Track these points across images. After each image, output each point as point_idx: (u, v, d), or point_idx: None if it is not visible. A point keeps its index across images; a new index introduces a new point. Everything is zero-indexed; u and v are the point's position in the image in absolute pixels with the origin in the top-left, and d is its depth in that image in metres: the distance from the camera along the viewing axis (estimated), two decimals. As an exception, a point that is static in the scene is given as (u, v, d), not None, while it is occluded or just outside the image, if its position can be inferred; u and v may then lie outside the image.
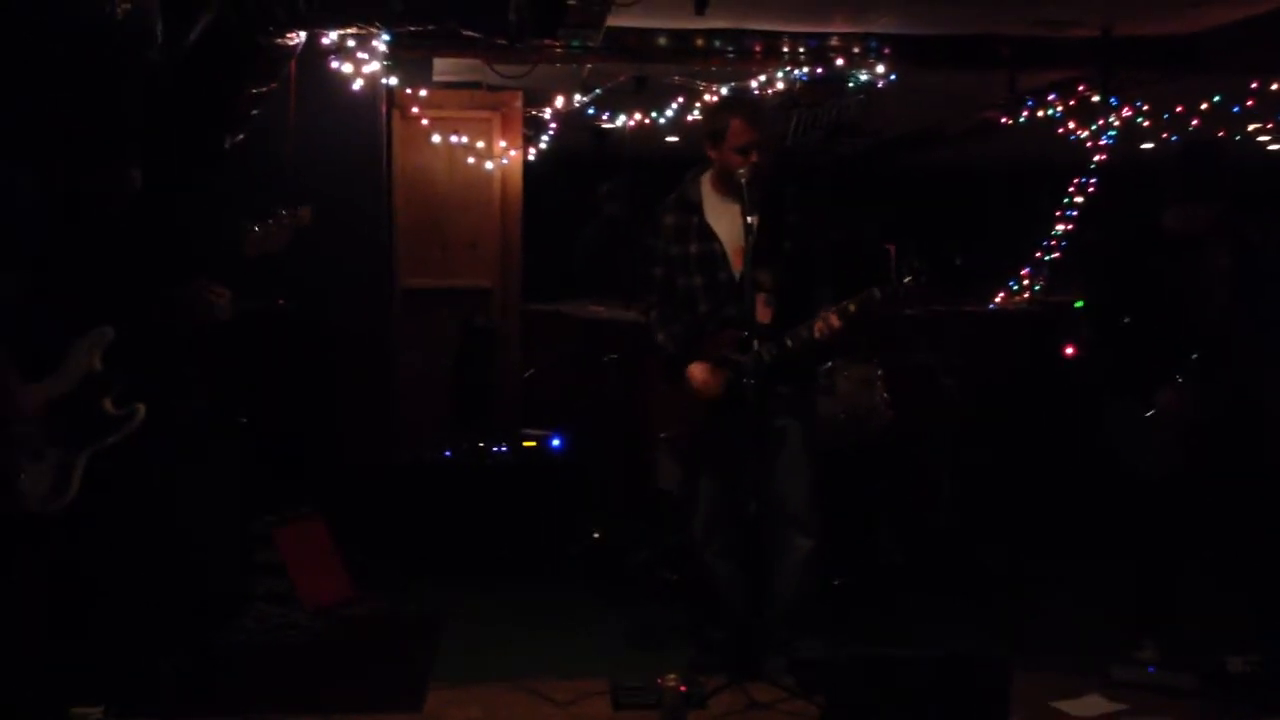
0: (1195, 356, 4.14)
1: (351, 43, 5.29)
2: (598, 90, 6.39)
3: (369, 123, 5.61)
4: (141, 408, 3.72)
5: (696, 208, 4.23)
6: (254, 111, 4.76)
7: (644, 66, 6.02)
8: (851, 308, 3.97)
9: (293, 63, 5.08)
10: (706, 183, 4.25)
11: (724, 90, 6.14)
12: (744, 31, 5.72)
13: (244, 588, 4.72)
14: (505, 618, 4.90)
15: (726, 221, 4.15)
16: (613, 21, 5.17)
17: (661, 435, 4.48)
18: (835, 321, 3.96)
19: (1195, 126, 6.48)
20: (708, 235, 4.20)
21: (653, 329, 4.35)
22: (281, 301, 5.05)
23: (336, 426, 5.43)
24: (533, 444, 5.66)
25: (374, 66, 5.42)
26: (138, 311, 3.72)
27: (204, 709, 3.79)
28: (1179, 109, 6.46)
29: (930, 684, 3.31)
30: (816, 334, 3.99)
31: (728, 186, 4.15)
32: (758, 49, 5.81)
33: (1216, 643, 4.20)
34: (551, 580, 5.32)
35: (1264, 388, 4.25)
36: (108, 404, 3.69)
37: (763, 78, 6.03)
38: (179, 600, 3.96)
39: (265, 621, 4.61)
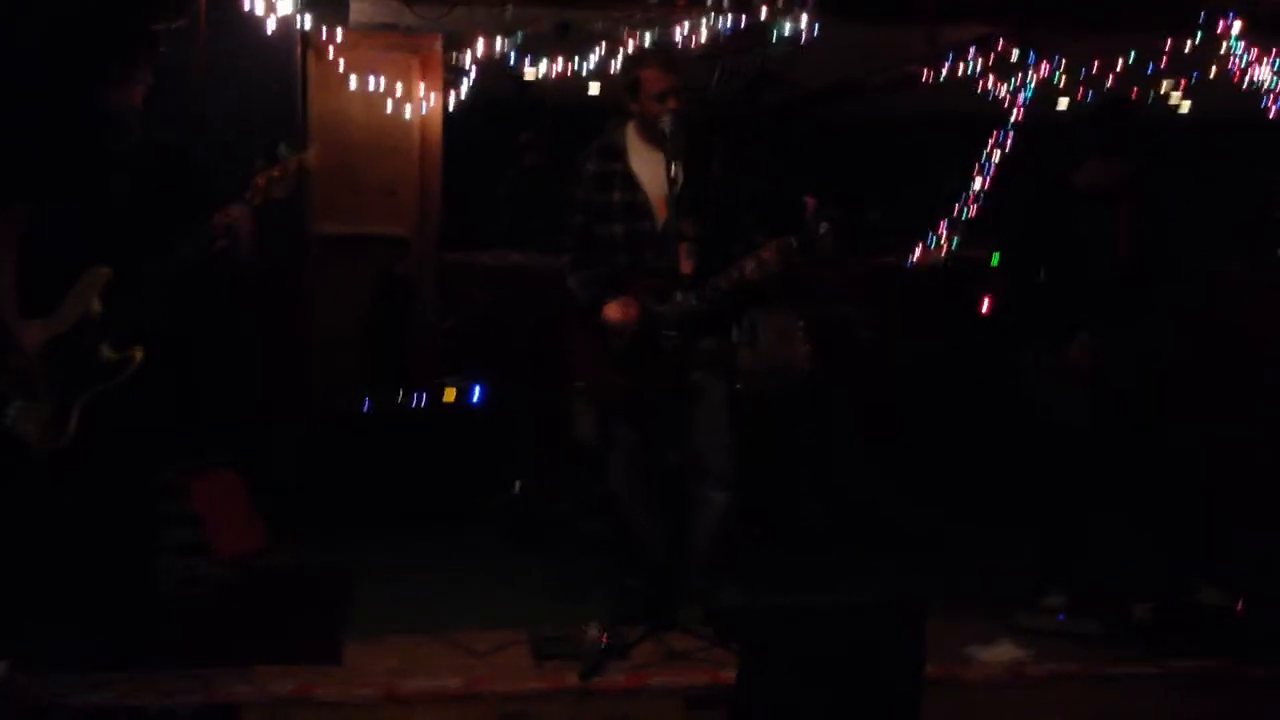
0: (1104, 310, 4.22)
1: (265, -20, 5.14)
2: (519, 35, 6.28)
3: (283, 64, 5.46)
4: (139, 352, 3.60)
5: (621, 155, 4.19)
6: (161, 49, 4.59)
7: (567, 12, 5.93)
8: (766, 254, 3.97)
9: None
10: (631, 131, 4.21)
11: (647, 37, 6.08)
12: (669, -21, 5.66)
13: (154, 540, 4.62)
14: (424, 569, 4.87)
15: (650, 171, 4.12)
16: (536, -35, 5.09)
17: (577, 384, 4.46)
18: (767, 255, 3.95)
19: (1110, 85, 6.57)
20: (632, 184, 4.16)
21: (568, 278, 4.30)
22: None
23: (248, 376, 5.32)
24: (451, 394, 5.61)
25: (288, 6, 5.27)
26: (154, 251, 3.58)
27: (112, 662, 3.71)
28: (1095, 67, 6.55)
29: (846, 632, 3.35)
30: (749, 271, 3.98)
31: (651, 136, 4.12)
32: (682, -3, 5.76)
33: (1122, 590, 4.33)
34: (471, 531, 5.29)
35: (1168, 340, 4.37)
36: (105, 348, 3.56)
37: (686, 26, 5.98)
38: (86, 552, 3.86)
39: (176, 574, 4.53)
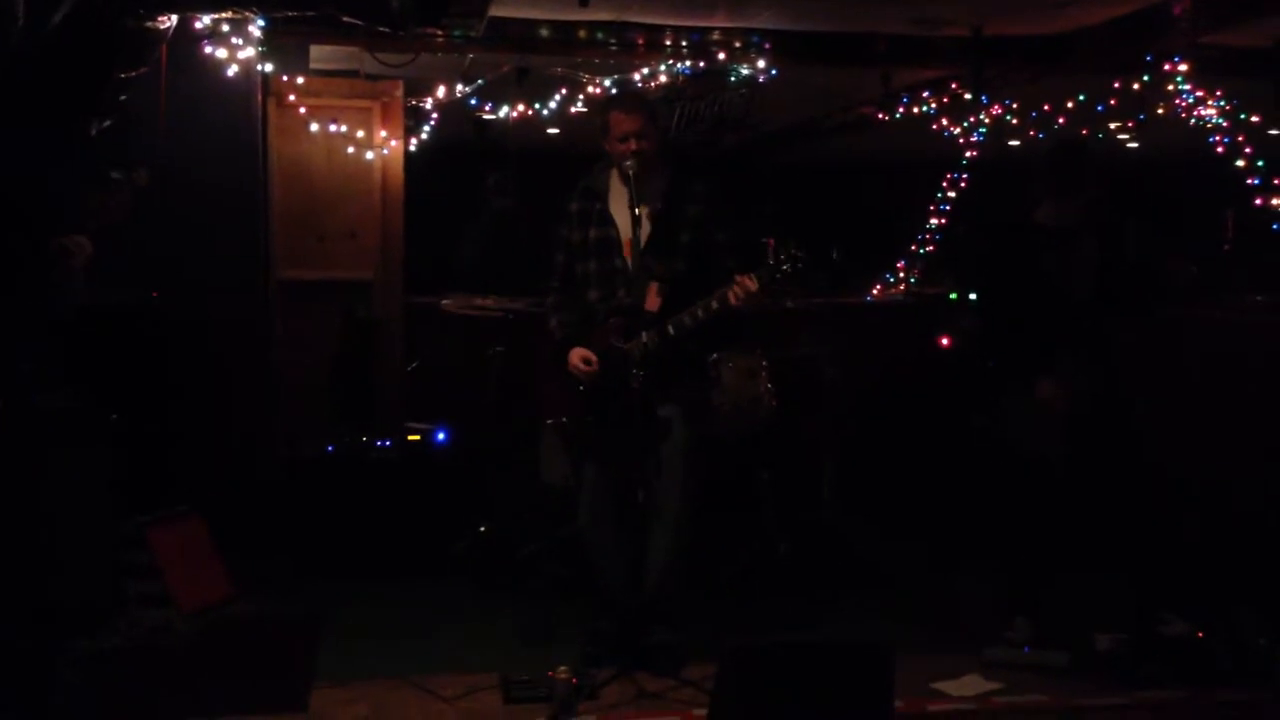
0: (1069, 344, 4.29)
1: (226, 27, 5.14)
2: (480, 81, 6.32)
3: (244, 110, 5.46)
4: None
5: (601, 195, 4.32)
6: (123, 97, 4.58)
7: (526, 57, 5.98)
8: (726, 292, 4.01)
9: (164, 46, 4.91)
10: (613, 174, 4.32)
11: (606, 82, 6.14)
12: (626, 24, 5.71)
13: (115, 591, 4.54)
14: (392, 614, 4.83)
15: (625, 211, 4.18)
16: (495, 11, 5.13)
17: (548, 422, 4.49)
18: (727, 293, 4.00)
19: (1061, 124, 6.70)
20: (606, 222, 4.29)
21: (548, 314, 4.45)
22: (155, 294, 4.89)
23: (213, 422, 5.28)
24: (417, 437, 5.60)
25: (249, 52, 5.28)
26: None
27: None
28: (1046, 107, 6.67)
29: (817, 670, 3.36)
30: (711, 309, 4.03)
31: (625, 178, 4.18)
32: (640, 42, 5.82)
33: (1086, 621, 4.36)
34: (438, 575, 5.25)
35: (1128, 373, 4.44)
36: None
37: (645, 71, 6.05)
38: (42, 606, 3.79)
39: (139, 625, 4.45)
